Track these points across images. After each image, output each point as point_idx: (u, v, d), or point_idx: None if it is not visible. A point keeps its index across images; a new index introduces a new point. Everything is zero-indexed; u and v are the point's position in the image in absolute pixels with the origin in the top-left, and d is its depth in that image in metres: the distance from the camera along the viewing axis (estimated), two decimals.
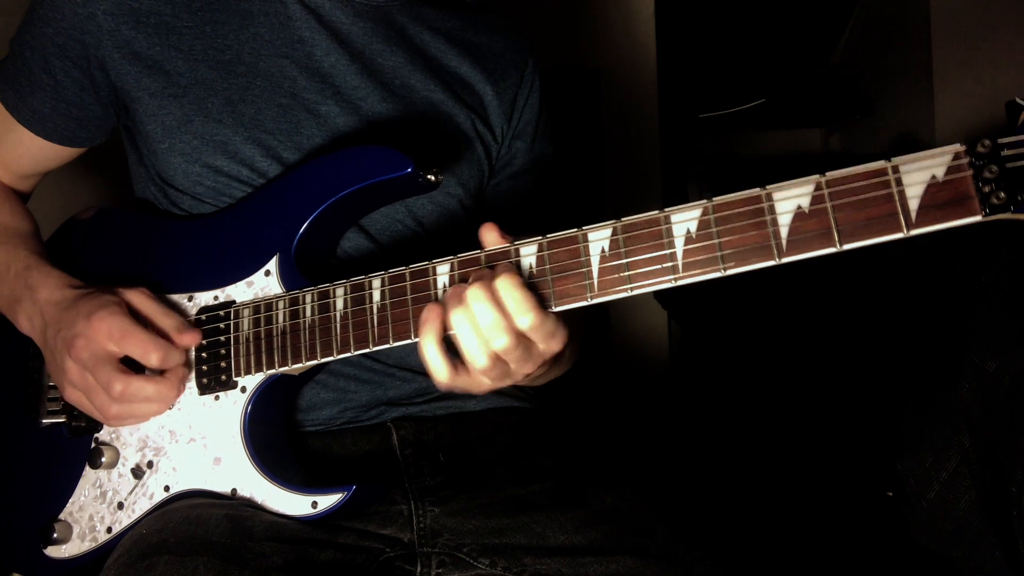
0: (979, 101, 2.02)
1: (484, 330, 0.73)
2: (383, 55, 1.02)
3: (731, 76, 2.61)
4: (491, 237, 0.79)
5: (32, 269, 0.96)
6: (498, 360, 0.75)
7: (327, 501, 0.84)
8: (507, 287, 0.73)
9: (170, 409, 0.91)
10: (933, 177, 0.64)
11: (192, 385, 0.91)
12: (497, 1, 1.17)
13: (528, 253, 0.76)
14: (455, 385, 0.78)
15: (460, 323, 0.74)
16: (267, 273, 0.90)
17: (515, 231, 1.15)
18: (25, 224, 1.06)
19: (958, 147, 0.63)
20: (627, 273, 0.73)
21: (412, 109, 1.02)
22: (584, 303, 0.74)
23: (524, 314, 0.73)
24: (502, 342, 0.73)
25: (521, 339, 0.74)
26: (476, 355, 0.74)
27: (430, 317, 0.76)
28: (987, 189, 0.62)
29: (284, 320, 0.87)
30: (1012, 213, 0.62)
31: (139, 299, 0.90)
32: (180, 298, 0.94)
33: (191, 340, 0.90)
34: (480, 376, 0.77)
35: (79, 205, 1.12)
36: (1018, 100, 0.63)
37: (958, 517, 1.32)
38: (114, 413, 0.88)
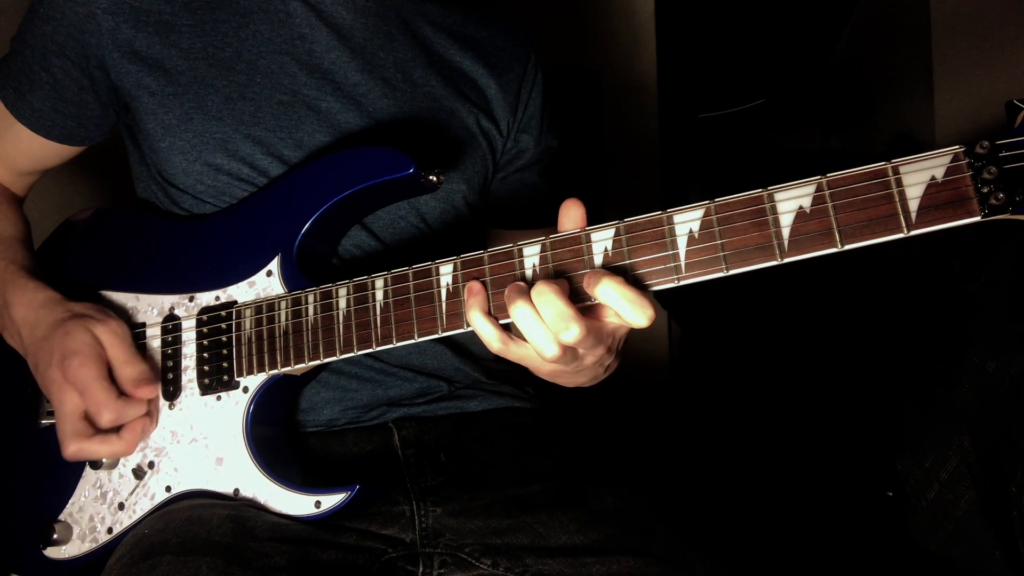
0: (979, 101, 2.01)
1: (550, 322, 0.70)
2: (384, 51, 1.02)
3: (731, 76, 2.62)
4: (576, 212, 0.75)
5: (7, 283, 0.95)
6: (568, 349, 0.72)
7: (331, 501, 0.84)
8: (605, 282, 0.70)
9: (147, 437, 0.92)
10: (933, 178, 0.64)
11: (194, 385, 0.91)
12: (498, 1, 1.17)
13: (531, 253, 0.76)
14: (510, 353, 0.76)
15: (523, 315, 0.71)
16: (269, 273, 0.90)
17: (522, 224, 1.15)
18: (11, 228, 1.04)
19: (957, 148, 0.64)
20: (630, 273, 0.73)
21: (414, 105, 1.02)
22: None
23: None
24: (572, 334, 0.70)
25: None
26: (545, 346, 0.71)
27: (474, 294, 0.75)
28: (986, 190, 0.63)
29: (286, 320, 0.87)
30: (1011, 214, 0.63)
31: (111, 340, 0.89)
32: (181, 298, 0.94)
33: (147, 394, 0.90)
34: (548, 363, 0.74)
35: (77, 206, 1.11)
36: (1016, 102, 0.64)
37: (958, 517, 1.33)
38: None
